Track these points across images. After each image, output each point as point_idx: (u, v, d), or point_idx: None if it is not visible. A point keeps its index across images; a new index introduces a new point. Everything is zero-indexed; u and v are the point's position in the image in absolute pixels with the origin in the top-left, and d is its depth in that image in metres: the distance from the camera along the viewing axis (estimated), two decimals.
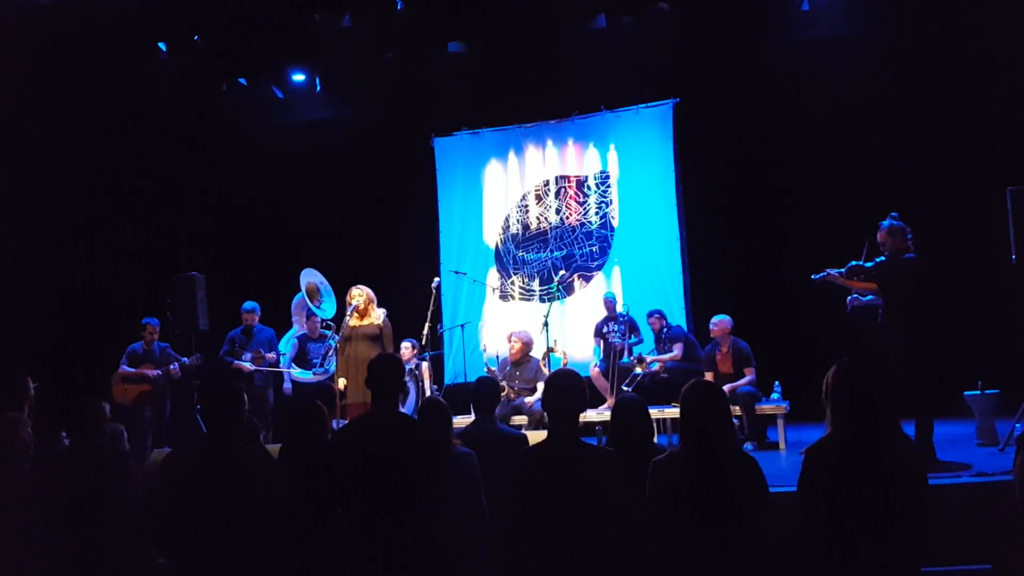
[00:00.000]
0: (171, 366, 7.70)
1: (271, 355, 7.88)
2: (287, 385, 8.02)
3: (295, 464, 3.58)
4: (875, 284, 5.64)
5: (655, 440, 5.83)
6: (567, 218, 9.78)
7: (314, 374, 7.88)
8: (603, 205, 9.64)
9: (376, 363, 3.65)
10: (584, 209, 9.72)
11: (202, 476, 3.36)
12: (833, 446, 2.93)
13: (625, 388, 7.56)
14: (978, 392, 6.36)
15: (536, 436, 5.03)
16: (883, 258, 5.61)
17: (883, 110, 8.33)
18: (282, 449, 3.76)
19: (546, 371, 7.64)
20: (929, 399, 5.45)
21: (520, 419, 7.44)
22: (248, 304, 8.06)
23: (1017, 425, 5.60)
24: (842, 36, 8.50)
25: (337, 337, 6.80)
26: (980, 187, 7.21)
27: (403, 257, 9.79)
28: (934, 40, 7.95)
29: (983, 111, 7.65)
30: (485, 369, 8.17)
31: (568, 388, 3.28)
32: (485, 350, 8.74)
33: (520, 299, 9.82)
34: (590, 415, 7.79)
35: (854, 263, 5.76)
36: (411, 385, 7.88)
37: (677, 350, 7.91)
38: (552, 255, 9.76)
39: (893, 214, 5.70)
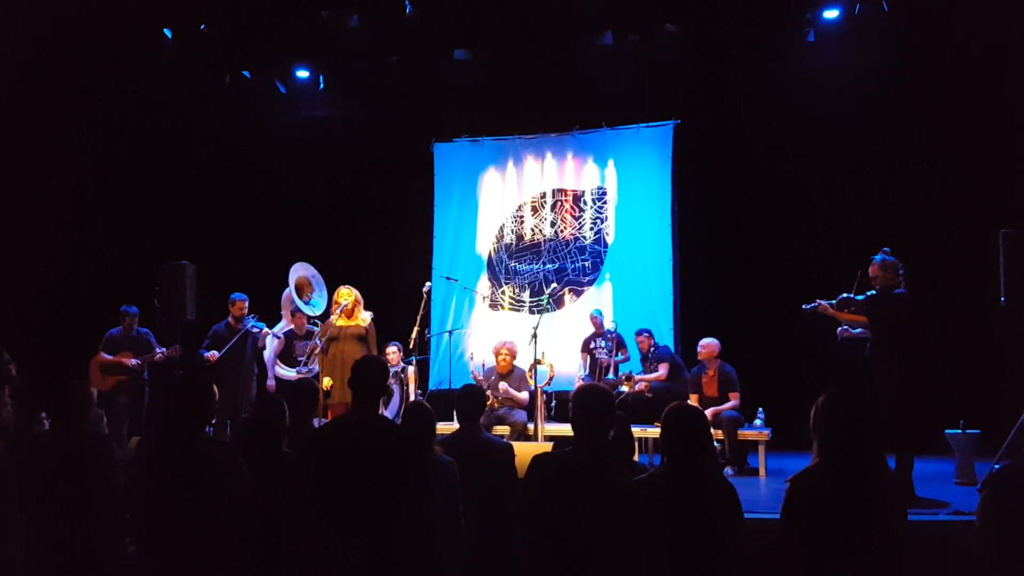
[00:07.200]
0: (155, 352, 7.68)
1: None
2: (271, 382, 7.96)
3: (257, 459, 3.55)
4: (864, 317, 5.68)
5: (636, 458, 5.87)
6: (561, 231, 9.79)
7: (297, 372, 7.82)
8: (598, 221, 9.66)
9: (360, 364, 3.59)
10: (579, 224, 9.74)
11: (169, 465, 3.33)
12: (818, 476, 2.93)
13: None
14: (959, 431, 6.38)
15: (521, 446, 5.02)
16: (874, 292, 5.64)
17: (882, 144, 8.41)
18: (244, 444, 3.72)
19: (532, 383, 7.62)
20: (911, 435, 5.48)
21: (503, 429, 7.42)
22: (236, 295, 7.96)
23: (995, 466, 5.61)
24: (846, 69, 8.56)
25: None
26: (974, 227, 7.27)
27: (395, 259, 9.77)
28: (936, 78, 8.00)
29: (981, 153, 7.70)
30: (471, 376, 8.14)
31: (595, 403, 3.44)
32: (471, 359, 8.71)
33: (510, 309, 9.81)
34: (568, 428, 7.79)
35: (845, 295, 5.80)
36: (395, 388, 7.85)
37: (663, 370, 7.90)
38: (544, 267, 9.77)
39: (885, 249, 5.74)
